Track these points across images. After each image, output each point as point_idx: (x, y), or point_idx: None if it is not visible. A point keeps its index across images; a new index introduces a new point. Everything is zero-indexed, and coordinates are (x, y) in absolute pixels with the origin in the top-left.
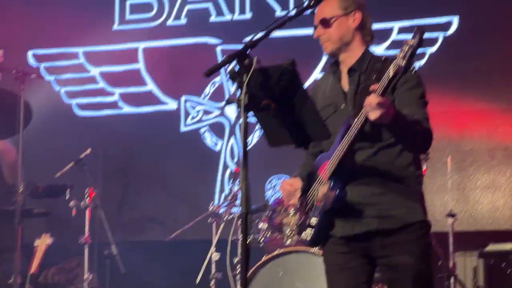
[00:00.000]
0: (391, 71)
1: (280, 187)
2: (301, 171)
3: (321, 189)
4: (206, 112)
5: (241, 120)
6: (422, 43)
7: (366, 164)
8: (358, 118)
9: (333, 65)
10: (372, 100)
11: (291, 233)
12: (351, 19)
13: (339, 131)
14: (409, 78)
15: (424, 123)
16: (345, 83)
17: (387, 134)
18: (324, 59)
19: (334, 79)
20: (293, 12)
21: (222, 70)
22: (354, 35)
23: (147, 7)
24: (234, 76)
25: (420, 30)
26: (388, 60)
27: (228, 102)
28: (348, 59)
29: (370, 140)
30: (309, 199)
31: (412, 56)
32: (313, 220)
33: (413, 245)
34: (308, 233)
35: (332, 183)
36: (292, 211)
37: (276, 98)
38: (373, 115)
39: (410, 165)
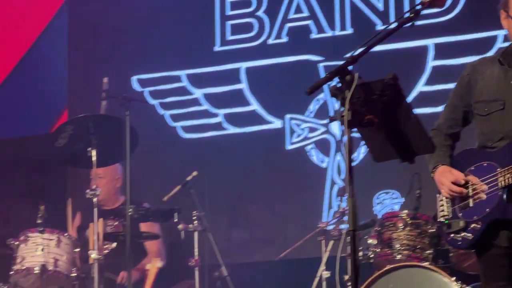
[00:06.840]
0: None
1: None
2: (443, 159)
3: (481, 191)
4: (312, 130)
5: (345, 137)
6: None
7: None
8: None
9: (505, 54)
10: None
11: (401, 248)
12: None
13: None
14: None
15: None
16: None
17: None
18: (427, 71)
19: (502, 70)
20: (393, 26)
21: (326, 86)
22: None
23: (248, 27)
24: (336, 93)
25: None
26: None
27: (332, 119)
28: None
29: None
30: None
31: None
32: (475, 226)
33: None
34: (467, 236)
35: (505, 194)
36: (400, 226)
37: (379, 113)
38: None
39: None
